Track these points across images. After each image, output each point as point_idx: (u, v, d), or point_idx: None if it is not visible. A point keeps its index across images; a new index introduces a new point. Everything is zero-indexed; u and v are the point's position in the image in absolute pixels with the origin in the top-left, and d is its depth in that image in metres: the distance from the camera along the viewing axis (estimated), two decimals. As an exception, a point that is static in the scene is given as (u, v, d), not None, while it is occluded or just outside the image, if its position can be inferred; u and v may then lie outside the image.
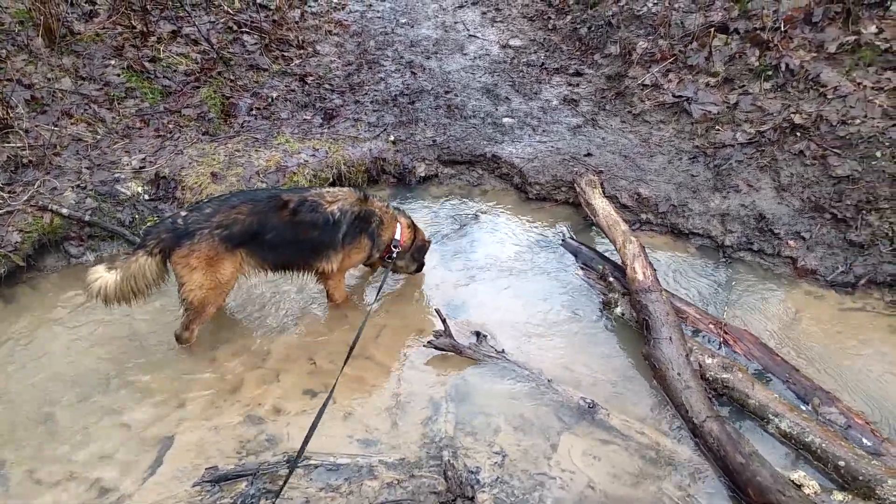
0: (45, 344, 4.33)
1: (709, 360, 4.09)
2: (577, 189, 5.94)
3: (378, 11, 9.67)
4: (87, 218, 5.20)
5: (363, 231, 4.49)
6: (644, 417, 3.91)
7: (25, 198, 5.12)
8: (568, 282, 5.16)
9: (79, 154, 5.70)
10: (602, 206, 5.50)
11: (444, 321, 4.35)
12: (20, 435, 3.68)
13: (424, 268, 5.19)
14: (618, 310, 4.73)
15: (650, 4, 7.88)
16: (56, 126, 5.81)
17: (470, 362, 4.31)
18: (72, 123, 5.93)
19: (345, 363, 3.72)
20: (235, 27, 7.96)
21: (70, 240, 5.20)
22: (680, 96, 6.79)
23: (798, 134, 5.76)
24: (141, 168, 5.71)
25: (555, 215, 6.10)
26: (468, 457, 3.62)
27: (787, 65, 6.23)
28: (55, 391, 3.98)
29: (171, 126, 6.33)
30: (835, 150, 5.47)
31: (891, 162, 5.22)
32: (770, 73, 6.34)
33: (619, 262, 4.91)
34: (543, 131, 6.94)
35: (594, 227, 5.76)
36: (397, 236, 4.69)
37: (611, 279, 4.90)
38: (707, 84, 6.73)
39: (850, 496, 3.27)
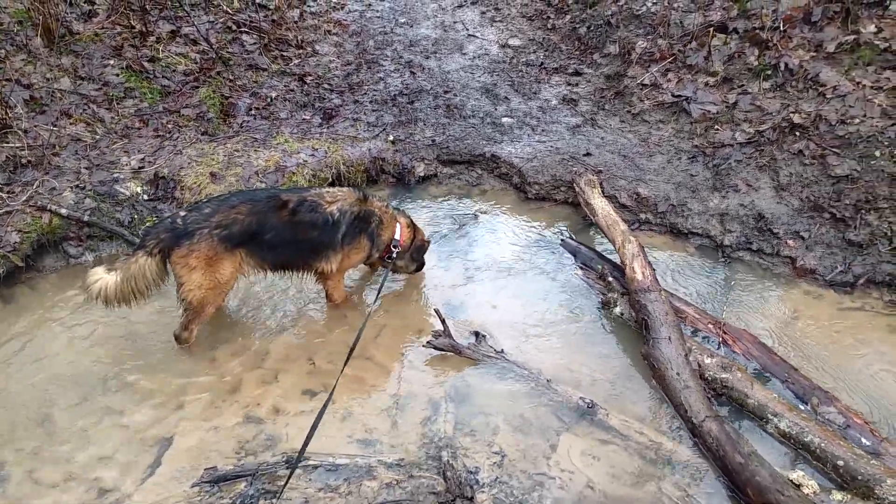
0: (44, 344, 4.33)
1: (708, 360, 4.09)
2: (577, 189, 5.94)
3: (377, 11, 9.66)
4: (86, 218, 5.20)
5: (362, 231, 4.49)
6: (643, 417, 3.92)
7: (24, 198, 5.11)
8: (567, 282, 5.16)
9: (78, 154, 5.70)
10: (601, 206, 5.50)
11: (443, 321, 4.35)
12: (19, 435, 3.68)
13: (424, 268, 5.19)
14: (617, 309, 4.73)
15: (649, 4, 7.88)
16: (55, 126, 5.81)
17: (469, 362, 4.31)
18: (71, 123, 5.92)
19: (345, 363, 3.72)
20: (234, 27, 7.95)
21: (69, 240, 5.20)
22: (679, 96, 6.78)
23: (797, 133, 5.76)
24: (140, 168, 5.71)
25: (554, 215, 6.10)
26: (467, 457, 3.62)
27: (786, 64, 6.23)
28: (54, 392, 3.98)
29: (170, 126, 6.33)
30: (834, 150, 5.48)
31: (890, 161, 5.22)
32: (769, 72, 6.34)
33: (619, 261, 4.91)
34: (543, 131, 6.94)
35: (593, 227, 5.75)
36: (397, 236, 4.69)
37: (610, 279, 4.90)
38: (706, 84, 6.73)
39: (848, 496, 3.28)
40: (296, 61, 7.93)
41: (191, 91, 6.81)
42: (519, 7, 9.89)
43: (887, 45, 5.80)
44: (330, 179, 6.17)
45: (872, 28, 5.97)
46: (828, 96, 5.82)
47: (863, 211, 5.12)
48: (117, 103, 6.32)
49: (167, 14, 7.64)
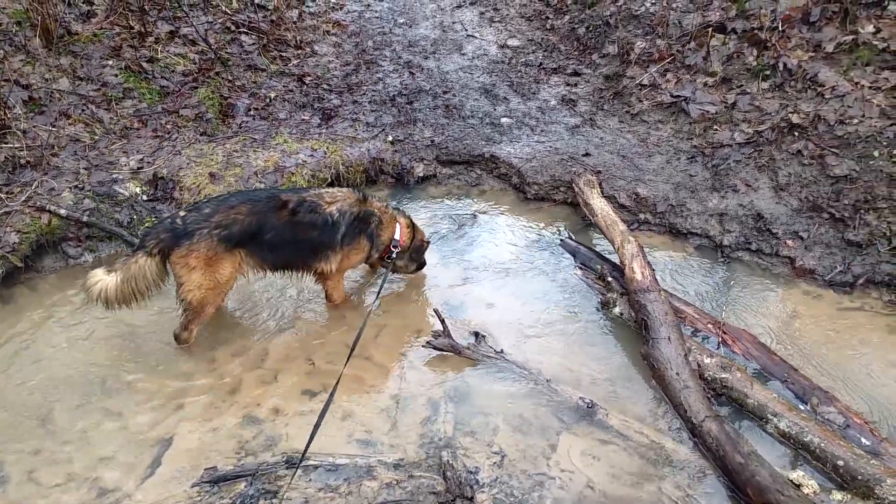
0: (43, 345, 4.33)
1: (707, 360, 4.09)
2: (576, 189, 5.94)
3: (376, 11, 9.67)
4: (85, 218, 5.20)
5: (362, 232, 4.49)
6: (643, 417, 3.92)
7: (23, 198, 5.11)
8: (566, 282, 5.16)
9: (77, 154, 5.70)
10: (600, 206, 5.51)
11: (442, 321, 4.35)
12: (19, 436, 3.68)
13: (425, 268, 5.19)
14: (616, 310, 4.73)
15: (648, 4, 7.88)
16: (54, 126, 5.80)
17: (469, 362, 4.31)
18: (70, 124, 5.92)
19: (346, 363, 3.72)
20: (233, 27, 7.95)
21: (68, 240, 5.19)
22: (678, 96, 6.79)
23: (796, 133, 5.77)
24: (139, 168, 5.71)
25: (553, 215, 6.11)
26: (467, 457, 3.62)
27: (784, 64, 6.24)
28: (54, 392, 3.97)
29: (169, 126, 6.33)
30: (833, 150, 5.48)
31: (889, 161, 5.22)
32: (768, 72, 6.35)
33: (618, 261, 4.91)
34: (542, 131, 6.94)
35: (592, 227, 5.76)
36: (396, 236, 4.69)
37: (609, 279, 4.90)
38: (705, 84, 6.74)
39: (848, 496, 3.28)
40: (295, 62, 7.93)
41: (190, 91, 6.81)
42: (518, 7, 9.90)
43: (886, 45, 5.81)
44: (329, 180, 6.17)
45: (871, 28, 5.98)
46: (826, 96, 5.83)
47: (862, 211, 5.13)
48: (116, 104, 6.32)
49: (166, 14, 7.64)
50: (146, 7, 7.41)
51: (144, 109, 6.43)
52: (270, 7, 8.59)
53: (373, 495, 3.27)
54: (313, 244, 4.31)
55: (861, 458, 3.40)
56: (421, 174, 6.57)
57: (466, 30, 9.32)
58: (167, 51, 7.13)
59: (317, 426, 3.19)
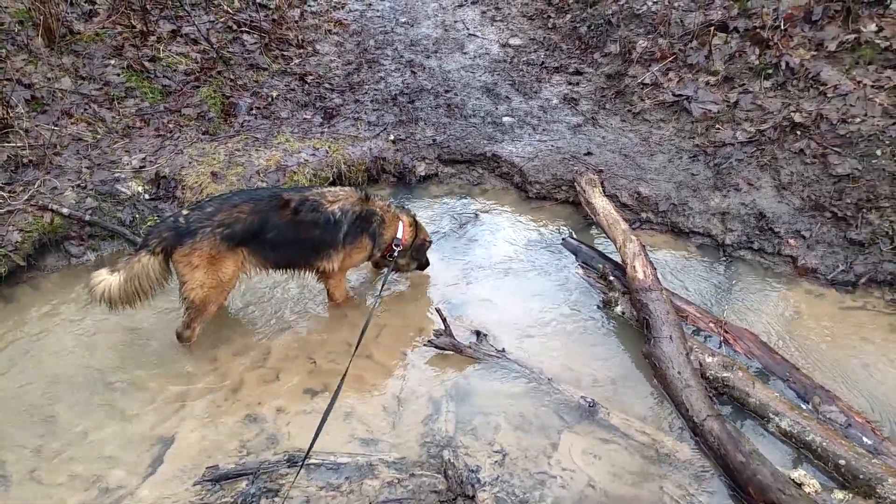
0: (45, 343, 4.33)
1: (709, 359, 4.09)
2: (578, 188, 5.94)
3: (378, 10, 9.67)
4: (87, 217, 5.20)
5: (364, 231, 4.49)
6: (644, 416, 3.91)
7: (26, 197, 5.11)
8: (568, 281, 5.16)
9: (79, 154, 5.70)
10: (602, 205, 5.50)
11: (444, 320, 4.35)
12: (21, 434, 3.68)
13: (428, 268, 5.18)
14: (618, 308, 4.73)
15: (650, 3, 7.88)
16: (56, 126, 5.81)
17: (470, 361, 4.31)
18: (72, 123, 5.92)
19: (349, 362, 3.72)
20: (235, 26, 7.96)
21: (70, 239, 5.20)
22: (680, 95, 6.78)
23: (798, 132, 5.76)
24: (141, 167, 5.71)
25: (555, 214, 6.10)
26: (468, 455, 3.62)
27: (787, 63, 6.23)
28: (56, 390, 3.98)
29: (171, 125, 6.33)
30: (835, 149, 5.47)
31: (891, 160, 5.21)
32: (770, 71, 6.34)
33: (620, 260, 4.91)
34: (543, 130, 6.94)
35: (594, 226, 5.76)
36: (399, 235, 4.69)
37: (611, 278, 4.90)
38: (707, 83, 6.73)
39: (850, 495, 3.27)
40: (296, 61, 7.94)
41: (192, 91, 6.81)
42: (519, 6, 9.89)
43: (888, 44, 5.80)
44: (331, 179, 6.17)
45: (873, 27, 5.97)
46: (829, 95, 5.82)
47: (864, 210, 5.12)
48: (118, 103, 6.33)
49: (168, 14, 7.65)
50: (148, 6, 7.42)
51: (146, 108, 6.44)
52: (272, 6, 8.60)
53: (374, 494, 3.28)
54: (315, 243, 4.31)
55: (863, 457, 3.40)
56: (423, 173, 6.57)
57: (468, 29, 9.32)
58: (169, 50, 7.13)
59: (321, 425, 3.19)
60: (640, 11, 7.89)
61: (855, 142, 5.43)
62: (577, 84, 7.86)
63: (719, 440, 3.51)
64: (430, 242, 5.08)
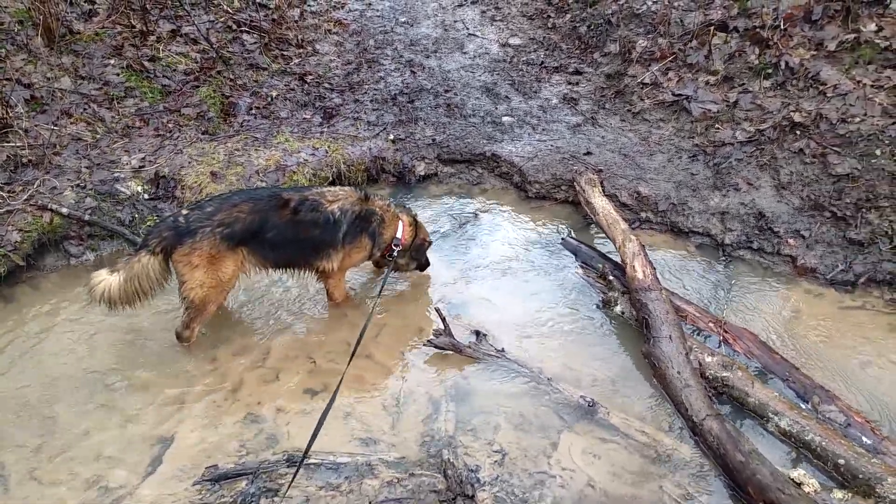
0: (45, 343, 4.33)
1: (708, 359, 4.09)
2: (577, 188, 5.94)
3: (377, 10, 9.67)
4: (86, 217, 5.20)
5: (364, 230, 4.49)
6: (644, 416, 3.92)
7: (25, 197, 5.11)
8: (567, 280, 5.16)
9: (78, 153, 5.70)
10: (602, 205, 5.50)
11: (443, 320, 4.35)
12: (20, 434, 3.69)
13: (428, 268, 5.18)
14: (617, 308, 4.73)
15: (650, 3, 7.88)
16: (55, 125, 5.81)
17: (470, 361, 4.31)
18: (71, 123, 5.92)
19: (349, 362, 3.72)
20: (235, 26, 7.96)
21: (70, 239, 5.20)
22: (679, 95, 6.78)
23: (798, 132, 5.76)
24: (140, 167, 5.71)
25: (554, 214, 6.10)
26: (468, 455, 3.62)
27: (786, 63, 6.23)
28: (55, 390, 3.98)
29: (170, 125, 6.33)
30: (834, 149, 5.47)
31: (890, 160, 5.21)
32: (770, 71, 6.34)
33: (619, 260, 4.91)
34: (543, 130, 6.94)
35: (594, 226, 5.76)
36: (398, 235, 4.69)
37: (610, 278, 4.90)
38: (707, 82, 6.73)
39: (849, 494, 3.28)
40: (296, 60, 7.94)
41: (191, 90, 6.81)
42: (519, 6, 9.89)
43: (888, 43, 5.80)
44: (331, 178, 6.17)
45: (873, 27, 5.97)
46: (828, 95, 5.82)
47: (863, 209, 5.12)
48: (118, 103, 6.33)
49: (167, 13, 7.65)
50: (148, 6, 7.41)
51: (146, 108, 6.44)
52: (272, 6, 8.60)
53: (374, 493, 3.28)
54: (315, 243, 4.31)
55: (862, 456, 3.40)
56: (422, 173, 6.57)
57: (468, 28, 9.32)
58: (169, 50, 7.13)
59: (319, 425, 3.18)
60: (640, 11, 7.89)
61: (854, 141, 5.43)
62: (577, 84, 7.86)
63: (719, 440, 3.51)
64: (430, 242, 5.07)
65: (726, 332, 4.40)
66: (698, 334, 4.47)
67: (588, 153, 6.42)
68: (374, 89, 7.63)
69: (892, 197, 5.06)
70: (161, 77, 6.80)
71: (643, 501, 3.41)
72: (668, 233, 5.74)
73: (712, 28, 6.93)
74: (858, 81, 5.76)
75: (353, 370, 4.04)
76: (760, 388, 3.87)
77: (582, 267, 5.27)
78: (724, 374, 3.99)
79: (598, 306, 4.87)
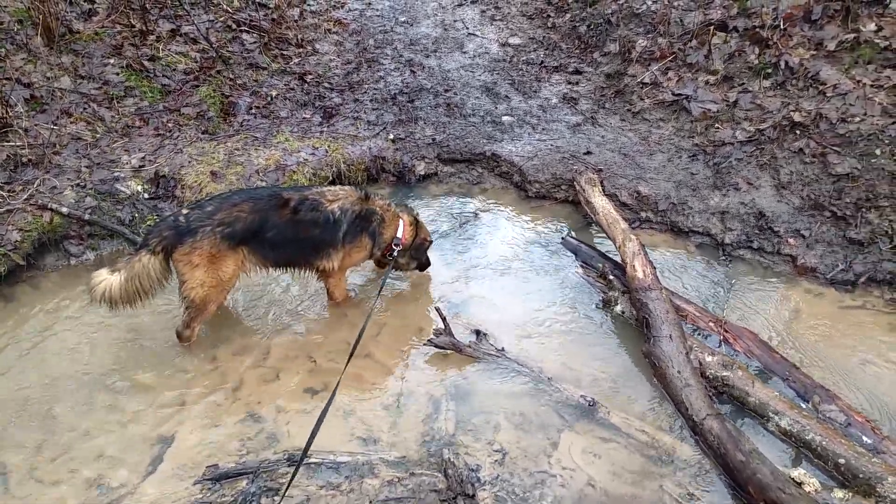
0: (45, 343, 4.33)
1: (709, 358, 4.09)
2: (577, 187, 5.94)
3: (377, 10, 9.66)
4: (86, 216, 5.20)
5: (364, 230, 4.49)
6: (644, 415, 3.92)
7: (25, 196, 5.11)
8: (567, 280, 5.16)
9: (78, 153, 5.70)
10: (602, 205, 5.50)
11: (444, 319, 4.35)
12: (21, 433, 3.68)
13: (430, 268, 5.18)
14: (618, 308, 4.74)
15: (649, 2, 7.88)
16: (55, 125, 5.81)
17: (470, 360, 4.31)
18: (71, 122, 5.92)
19: (347, 362, 3.72)
20: (234, 26, 7.95)
21: (70, 238, 5.20)
22: (679, 94, 6.79)
23: (798, 132, 5.76)
24: (140, 167, 5.71)
25: (554, 213, 6.10)
26: (468, 455, 3.62)
27: (786, 63, 6.23)
28: (56, 390, 3.98)
29: (170, 125, 6.33)
30: (834, 148, 5.48)
31: (890, 160, 5.22)
32: (769, 70, 6.34)
33: (619, 260, 4.91)
34: (543, 129, 6.94)
35: (594, 226, 5.76)
36: (399, 234, 4.69)
37: (610, 277, 4.90)
38: (706, 82, 6.73)
39: (850, 494, 3.28)
40: (296, 60, 7.93)
41: (191, 90, 6.81)
42: (519, 6, 9.89)
43: (887, 43, 5.81)
44: (330, 178, 6.17)
45: (872, 26, 5.98)
46: (828, 95, 5.82)
47: (863, 209, 5.13)
48: (118, 102, 6.32)
49: (167, 13, 7.64)
50: (147, 5, 7.41)
51: (146, 108, 6.44)
52: (271, 5, 8.60)
53: (374, 493, 3.28)
54: (315, 242, 4.31)
55: (862, 456, 3.40)
56: (422, 172, 6.57)
57: (468, 28, 9.32)
58: (168, 49, 7.13)
59: (318, 424, 3.19)
60: (640, 11, 7.89)
61: (854, 141, 5.44)
62: (577, 83, 7.86)
63: (719, 439, 3.51)
64: (431, 242, 5.07)
65: (726, 331, 4.40)
66: (698, 334, 4.47)
67: (588, 153, 6.42)
68: (374, 89, 7.63)
69: (892, 196, 5.07)
70: (161, 76, 6.80)
71: (643, 501, 3.41)
72: (668, 232, 5.74)
73: (712, 28, 6.93)
74: (858, 81, 5.76)
75: (354, 369, 4.04)
76: (761, 387, 3.88)
77: (582, 266, 5.27)
78: (725, 374, 3.99)
79: (598, 306, 4.87)
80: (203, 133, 6.37)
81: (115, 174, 5.58)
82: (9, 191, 5.16)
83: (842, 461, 3.41)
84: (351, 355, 3.73)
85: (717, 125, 6.33)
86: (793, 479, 3.29)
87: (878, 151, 5.30)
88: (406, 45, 8.71)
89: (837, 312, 4.75)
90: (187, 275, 3.97)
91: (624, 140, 6.66)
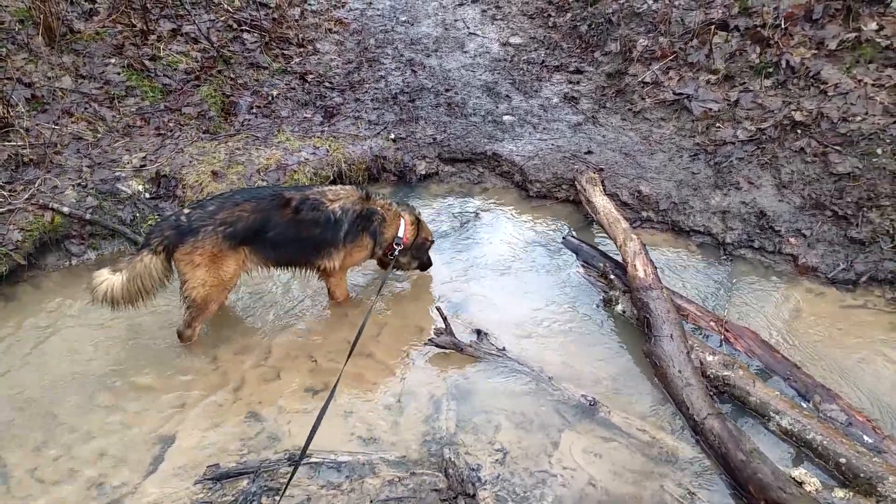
0: (46, 342, 4.34)
1: (710, 358, 4.09)
2: (578, 187, 5.94)
3: (378, 9, 9.66)
4: (87, 216, 5.21)
5: (365, 229, 4.50)
6: (645, 415, 3.92)
7: (26, 196, 5.12)
8: (569, 279, 5.16)
9: (79, 152, 5.71)
10: (603, 204, 5.50)
11: (444, 319, 4.35)
12: (21, 433, 3.69)
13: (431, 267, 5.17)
14: (619, 307, 4.73)
15: (650, 2, 7.87)
16: (56, 125, 5.81)
17: (470, 360, 4.31)
18: (72, 122, 5.93)
19: (347, 360, 3.72)
20: (235, 25, 7.96)
21: (71, 238, 5.21)
22: (680, 94, 6.78)
23: (799, 131, 5.76)
24: (142, 166, 5.72)
25: (555, 213, 6.10)
26: (469, 454, 3.62)
27: (787, 62, 6.22)
28: (57, 389, 3.98)
29: (171, 124, 6.33)
30: (835, 148, 5.47)
31: (891, 159, 5.21)
32: (771, 70, 6.34)
33: (620, 259, 4.91)
34: (544, 129, 6.94)
35: (595, 225, 5.76)
36: (400, 234, 4.69)
37: (611, 277, 4.90)
38: (707, 81, 6.73)
39: (851, 493, 3.28)
40: (297, 60, 7.94)
41: (192, 89, 6.81)
42: (520, 5, 9.88)
43: (888, 42, 5.80)
44: (332, 178, 6.17)
45: (874, 26, 5.97)
46: (829, 94, 5.82)
47: (865, 208, 5.12)
48: (119, 102, 6.33)
49: (168, 13, 7.65)
50: (148, 5, 7.42)
51: (147, 107, 6.44)
52: (272, 5, 8.60)
53: (375, 492, 3.28)
54: (316, 242, 4.31)
55: (863, 455, 3.40)
56: (423, 172, 6.57)
57: (468, 27, 9.32)
58: (169, 49, 7.13)
59: (317, 423, 3.19)
60: (641, 10, 7.89)
61: (855, 140, 5.43)
62: (578, 83, 7.86)
63: (720, 439, 3.51)
64: (432, 241, 5.07)
65: (727, 330, 4.39)
66: (699, 333, 4.47)
67: (589, 152, 6.42)
68: (375, 88, 7.63)
69: (893, 195, 5.06)
70: (162, 76, 6.81)
71: (644, 500, 3.41)
72: (669, 232, 5.74)
73: (713, 27, 6.92)
74: (859, 80, 5.76)
75: (354, 369, 4.05)
76: (762, 386, 3.87)
77: (583, 266, 5.27)
78: (726, 373, 3.99)
79: (599, 305, 4.87)
80: (204, 133, 6.37)
81: (117, 174, 5.58)
82: (10, 190, 5.17)
83: (843, 460, 3.40)
84: (350, 353, 3.73)
85: (718, 124, 6.33)
86: (794, 478, 3.28)
87: (879, 150, 5.29)
88: (407, 45, 8.71)
89: (838, 312, 4.74)
90: (189, 274, 3.97)
91: (625, 139, 6.66)
